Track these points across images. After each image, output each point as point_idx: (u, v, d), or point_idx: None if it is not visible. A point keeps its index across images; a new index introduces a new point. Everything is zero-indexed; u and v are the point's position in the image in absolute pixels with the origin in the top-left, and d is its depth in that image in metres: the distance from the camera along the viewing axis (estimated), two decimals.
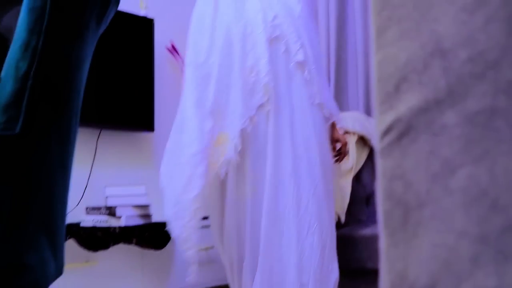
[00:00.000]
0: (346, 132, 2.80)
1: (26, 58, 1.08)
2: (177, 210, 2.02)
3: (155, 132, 3.16)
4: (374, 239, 2.46)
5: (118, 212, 2.68)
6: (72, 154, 1.25)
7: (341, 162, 2.76)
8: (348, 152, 2.24)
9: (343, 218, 2.65)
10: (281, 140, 2.07)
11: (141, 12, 3.19)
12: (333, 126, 2.24)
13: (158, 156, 3.23)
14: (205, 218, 2.87)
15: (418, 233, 0.41)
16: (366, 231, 2.56)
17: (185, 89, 2.17)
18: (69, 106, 1.17)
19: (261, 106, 2.06)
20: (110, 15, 1.39)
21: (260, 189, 2.06)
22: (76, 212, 2.79)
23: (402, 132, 0.44)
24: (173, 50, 3.30)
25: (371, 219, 2.88)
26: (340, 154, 2.30)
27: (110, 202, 2.71)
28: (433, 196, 0.41)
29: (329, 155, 2.21)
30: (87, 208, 2.76)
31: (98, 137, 2.99)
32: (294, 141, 2.08)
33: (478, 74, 0.40)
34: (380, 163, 0.45)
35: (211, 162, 2.06)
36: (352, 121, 2.86)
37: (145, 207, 2.79)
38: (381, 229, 0.44)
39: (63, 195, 1.22)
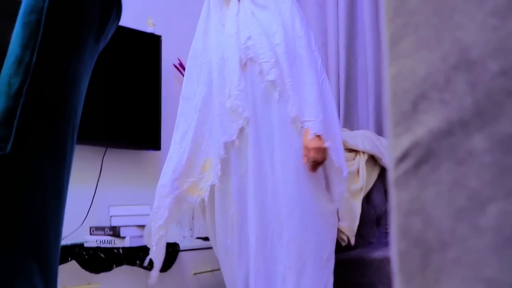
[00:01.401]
0: (351, 148, 2.75)
1: (19, 75, 1.03)
2: (146, 234, 2.31)
3: (161, 151, 3.10)
4: (385, 262, 2.38)
5: (123, 232, 2.63)
6: (68, 175, 1.19)
7: (351, 182, 2.69)
8: (319, 158, 2.11)
9: (352, 240, 2.58)
10: (262, 163, 2.16)
11: (149, 29, 3.16)
12: (305, 132, 2.14)
13: None
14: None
15: (440, 279, 0.34)
16: (377, 254, 2.49)
17: (176, 123, 2.35)
18: (64, 125, 1.11)
19: (241, 129, 2.15)
20: (111, 31, 1.34)
21: (243, 213, 2.16)
22: (81, 232, 2.74)
23: (421, 158, 0.37)
24: (181, 67, 3.26)
25: (382, 241, 2.80)
26: (314, 162, 2.15)
27: (115, 222, 2.66)
28: (458, 236, 0.34)
29: (307, 174, 2.15)
30: (91, 228, 2.71)
31: (104, 155, 2.94)
32: (273, 164, 2.15)
33: None
34: (394, 195, 0.39)
35: (198, 188, 2.23)
36: (362, 140, 2.80)
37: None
38: (396, 273, 0.37)
39: (57, 218, 1.16)
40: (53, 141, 1.08)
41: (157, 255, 2.27)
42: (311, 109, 2.10)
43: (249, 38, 2.17)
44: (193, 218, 2.97)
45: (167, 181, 2.27)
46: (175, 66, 3.26)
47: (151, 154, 3.16)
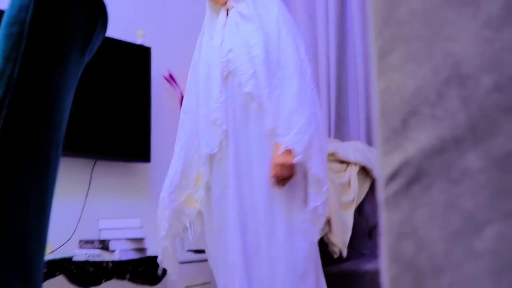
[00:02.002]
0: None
1: (0, 87, 1.00)
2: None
3: (151, 163, 3.07)
4: (378, 274, 2.35)
5: (112, 245, 2.59)
6: (52, 190, 1.17)
7: (343, 194, 2.67)
8: (284, 174, 2.06)
9: (345, 253, 2.56)
10: (240, 177, 2.15)
11: (138, 40, 3.14)
12: (276, 147, 2.09)
13: (154, 187, 3.15)
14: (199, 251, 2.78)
15: None
16: (370, 266, 2.46)
17: (177, 135, 2.42)
18: (48, 138, 1.09)
19: (220, 142, 2.16)
20: (96, 42, 1.32)
21: (222, 227, 2.18)
22: (69, 245, 2.70)
23: (412, 178, 0.35)
24: (171, 79, 3.24)
25: (374, 253, 2.78)
26: (279, 178, 2.09)
27: (104, 236, 2.63)
28: (452, 261, 0.32)
29: (282, 190, 2.11)
30: (80, 242, 2.67)
31: (93, 167, 2.91)
32: (251, 178, 2.14)
33: (508, 106, 0.31)
34: (384, 216, 0.37)
35: (194, 200, 2.29)
36: (353, 151, 2.78)
37: (139, 240, 2.70)
38: None
39: (41, 235, 1.13)
40: (36, 155, 1.06)
41: (168, 265, 2.34)
42: (285, 122, 2.06)
43: (230, 50, 2.17)
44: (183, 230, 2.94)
45: (165, 194, 2.32)
46: (165, 78, 3.24)
47: (141, 166, 3.13)
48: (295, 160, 2.04)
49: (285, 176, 2.06)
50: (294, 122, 2.07)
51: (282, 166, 2.05)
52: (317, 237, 2.14)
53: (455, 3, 0.34)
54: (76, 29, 1.16)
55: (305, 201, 2.12)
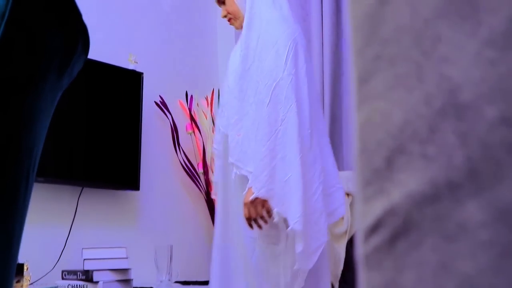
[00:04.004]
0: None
1: None
2: None
3: (140, 190, 3.00)
4: None
5: (96, 276, 2.51)
6: (21, 224, 1.09)
7: (335, 225, 2.60)
8: (246, 214, 1.95)
9: (336, 286, 2.48)
10: (227, 213, 2.14)
11: (130, 66, 3.10)
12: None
13: (142, 216, 3.07)
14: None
15: None
16: None
17: None
18: (16, 168, 1.02)
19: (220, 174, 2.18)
20: (77, 65, 1.25)
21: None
22: (52, 276, 2.62)
23: (398, 231, 0.28)
24: (162, 105, 3.18)
25: None
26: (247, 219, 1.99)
27: (88, 266, 2.55)
28: None
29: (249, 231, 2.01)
30: (63, 272, 2.59)
31: (80, 195, 2.83)
32: (236, 215, 2.07)
33: None
34: (364, 278, 0.30)
35: None
36: (346, 182, 2.72)
37: (124, 271, 2.62)
38: None
39: (6, 274, 1.05)
40: (2, 186, 0.98)
41: None
42: (246, 155, 1.99)
43: (228, 85, 2.14)
44: (170, 261, 2.85)
45: None
46: (157, 104, 3.18)
47: (129, 194, 3.05)
48: (251, 197, 1.92)
49: (253, 216, 1.94)
50: (254, 155, 1.96)
51: (247, 205, 1.95)
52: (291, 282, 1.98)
53: (450, 17, 0.28)
54: (52, 52, 1.10)
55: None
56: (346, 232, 2.65)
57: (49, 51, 1.07)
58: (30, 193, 1.09)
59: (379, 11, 0.30)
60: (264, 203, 1.92)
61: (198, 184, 3.19)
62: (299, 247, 1.87)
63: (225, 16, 2.25)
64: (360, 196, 0.30)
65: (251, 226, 1.96)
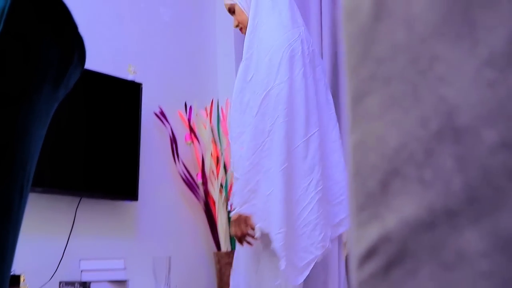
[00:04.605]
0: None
1: None
2: None
3: (138, 201, 2.98)
4: None
5: None
6: (15, 237, 1.07)
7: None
8: (232, 232, 1.91)
9: None
10: None
11: (129, 76, 3.09)
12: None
13: (141, 227, 3.05)
14: None
15: None
16: None
17: None
18: (10, 180, 1.00)
19: None
20: (73, 77, 1.24)
21: None
22: (49, 287, 2.59)
23: (393, 258, 0.27)
24: (162, 115, 3.17)
25: None
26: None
27: (85, 277, 2.53)
28: None
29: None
30: (60, 283, 2.57)
31: (78, 205, 2.81)
32: None
33: None
34: None
35: None
36: None
37: (122, 282, 2.60)
38: None
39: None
40: None
41: None
42: (235, 170, 1.96)
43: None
44: (169, 272, 2.82)
45: None
46: (156, 115, 3.17)
47: (128, 204, 3.03)
48: (232, 214, 1.90)
49: (238, 234, 1.90)
50: (238, 169, 1.92)
51: (232, 223, 1.92)
52: None
53: (447, 35, 0.26)
54: (47, 63, 1.09)
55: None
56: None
57: (44, 62, 1.06)
58: (24, 206, 1.07)
59: (373, 28, 0.29)
60: (247, 219, 1.87)
61: (197, 195, 3.17)
62: (281, 264, 1.79)
63: (236, 26, 2.21)
64: (354, 221, 0.29)
65: (240, 243, 1.91)
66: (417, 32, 0.27)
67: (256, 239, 1.87)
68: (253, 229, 1.87)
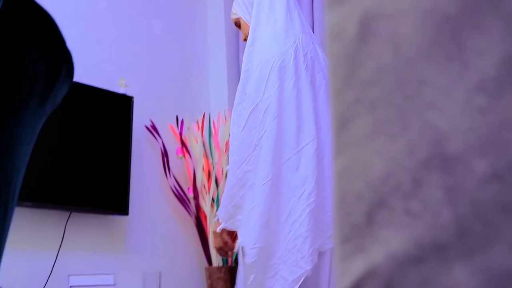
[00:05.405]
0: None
1: None
2: None
3: (129, 216, 2.95)
4: None
5: None
6: (0, 253, 1.05)
7: None
8: (214, 244, 1.92)
9: None
10: None
11: (120, 89, 3.07)
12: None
13: (131, 241, 3.02)
14: None
15: None
16: None
17: None
18: None
19: None
20: (60, 92, 1.22)
21: None
22: None
23: None
24: (153, 129, 3.15)
25: None
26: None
27: None
28: None
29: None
30: None
31: (67, 220, 2.78)
32: None
33: (510, 204, 0.22)
34: None
35: None
36: None
37: None
38: None
39: None
40: None
41: None
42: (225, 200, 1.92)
43: None
44: (159, 286, 2.79)
45: None
46: (147, 128, 3.15)
47: (118, 219, 3.00)
48: (219, 229, 1.88)
49: (220, 247, 1.91)
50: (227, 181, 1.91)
51: (215, 235, 1.91)
52: None
53: (436, 58, 0.25)
54: (34, 77, 1.07)
55: None
56: None
57: (31, 76, 1.04)
58: (9, 222, 1.05)
59: (358, 49, 0.27)
60: (222, 234, 1.87)
61: (188, 209, 3.14)
62: (249, 279, 1.78)
63: (244, 40, 2.18)
64: (338, 253, 0.27)
65: (220, 255, 1.92)
66: (404, 55, 0.26)
67: (232, 254, 1.88)
68: (225, 243, 1.88)
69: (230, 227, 1.86)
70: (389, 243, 0.25)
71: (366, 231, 0.26)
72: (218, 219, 1.90)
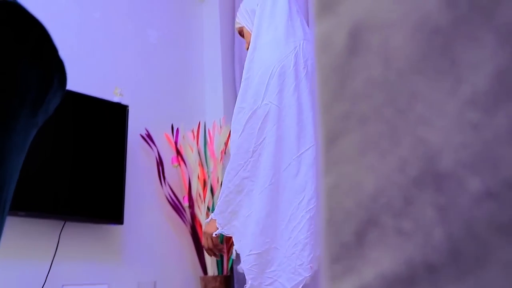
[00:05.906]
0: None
1: None
2: None
3: (124, 225, 2.94)
4: None
5: None
6: None
7: None
8: (210, 245, 1.91)
9: None
10: None
11: (115, 98, 3.06)
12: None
13: (126, 251, 3.00)
14: None
15: None
16: None
17: None
18: None
19: None
20: (53, 102, 1.21)
21: None
22: None
23: None
24: (148, 137, 3.14)
25: None
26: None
27: None
28: None
29: None
30: None
31: (62, 229, 2.76)
32: None
33: (505, 224, 0.22)
34: None
35: None
36: None
37: None
38: None
39: None
40: None
41: None
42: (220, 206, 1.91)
43: None
44: None
45: None
46: (142, 137, 3.14)
47: (113, 228, 2.99)
48: (215, 234, 1.87)
49: (210, 248, 1.92)
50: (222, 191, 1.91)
51: (205, 235, 1.92)
52: None
53: (427, 71, 0.24)
54: (25, 87, 1.06)
55: None
56: None
57: (22, 86, 1.03)
58: (1, 232, 1.04)
59: (348, 62, 0.26)
60: (228, 239, 1.91)
61: (184, 218, 3.13)
62: (246, 286, 1.78)
63: (248, 48, 2.17)
64: (327, 273, 0.26)
65: (209, 255, 1.93)
66: (395, 68, 0.25)
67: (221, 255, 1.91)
68: (215, 245, 1.91)
69: (227, 233, 1.85)
70: (380, 263, 0.24)
71: (355, 251, 0.25)
72: (211, 219, 1.90)
